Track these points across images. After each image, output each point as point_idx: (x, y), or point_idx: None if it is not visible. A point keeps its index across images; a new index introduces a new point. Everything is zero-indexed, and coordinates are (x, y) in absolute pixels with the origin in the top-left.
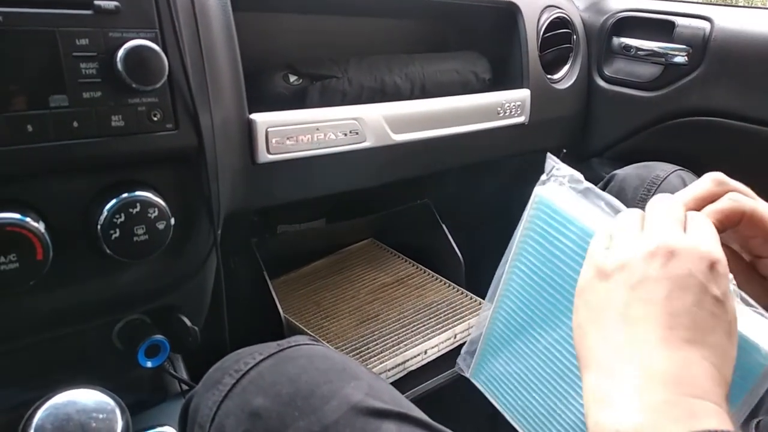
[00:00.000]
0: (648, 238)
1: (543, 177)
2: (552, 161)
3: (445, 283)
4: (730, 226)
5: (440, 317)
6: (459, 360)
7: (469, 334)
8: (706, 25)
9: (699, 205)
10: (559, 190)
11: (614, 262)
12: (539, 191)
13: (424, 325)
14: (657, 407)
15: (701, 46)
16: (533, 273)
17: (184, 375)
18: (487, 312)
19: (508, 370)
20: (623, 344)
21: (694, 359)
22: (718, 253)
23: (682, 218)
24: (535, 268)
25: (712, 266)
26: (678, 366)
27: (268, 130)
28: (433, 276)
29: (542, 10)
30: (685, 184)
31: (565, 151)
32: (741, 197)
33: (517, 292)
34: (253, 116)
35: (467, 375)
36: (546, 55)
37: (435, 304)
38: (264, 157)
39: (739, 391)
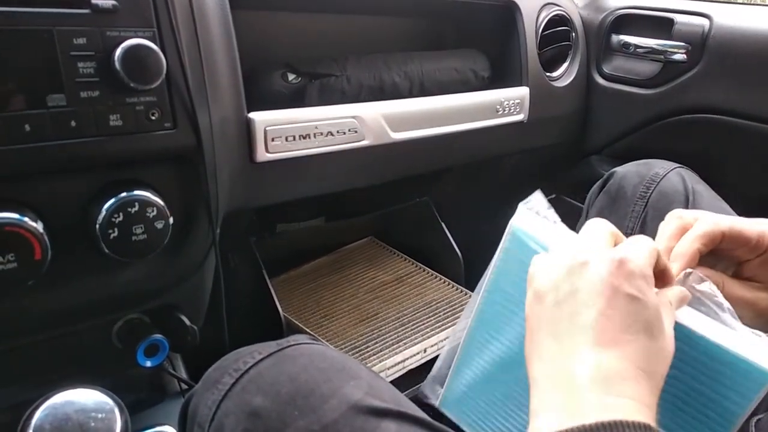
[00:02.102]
0: (568, 255)
1: (519, 207)
2: (537, 198)
3: (444, 282)
4: (713, 245)
5: (439, 316)
6: (425, 387)
7: None
8: (704, 22)
9: (675, 242)
10: (533, 218)
11: (544, 284)
12: (513, 221)
13: (423, 324)
14: (572, 409)
15: (700, 44)
16: (507, 301)
17: (184, 374)
18: (458, 339)
19: (483, 399)
20: (552, 359)
21: (609, 360)
22: (631, 255)
23: (606, 235)
24: (509, 295)
25: (621, 265)
26: (593, 369)
27: (267, 129)
28: (432, 274)
29: (541, 8)
30: (684, 182)
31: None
32: (717, 217)
33: (491, 319)
34: (252, 115)
35: (435, 404)
36: (545, 53)
37: (434, 303)
38: (262, 156)
39: (737, 408)
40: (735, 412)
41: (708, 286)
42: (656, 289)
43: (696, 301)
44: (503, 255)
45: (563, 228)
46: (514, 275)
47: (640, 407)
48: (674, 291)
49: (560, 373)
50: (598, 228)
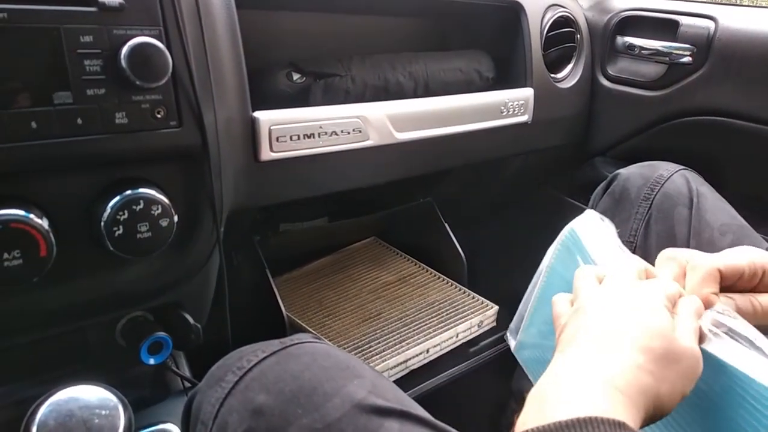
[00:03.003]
0: (621, 290)
1: (578, 220)
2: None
3: (447, 282)
4: (716, 286)
5: (442, 316)
6: (508, 332)
7: (471, 333)
8: (710, 24)
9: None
10: (594, 225)
11: (593, 307)
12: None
13: (426, 324)
14: (557, 391)
15: (705, 46)
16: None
17: (187, 372)
18: (533, 291)
19: (545, 358)
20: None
21: (598, 355)
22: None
23: (633, 275)
24: (565, 282)
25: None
26: (581, 361)
27: (271, 128)
28: (435, 275)
29: (546, 9)
30: (688, 184)
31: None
32: (707, 257)
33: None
34: (257, 114)
35: (512, 349)
36: (549, 54)
37: (437, 303)
38: (267, 155)
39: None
40: None
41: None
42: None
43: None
44: (560, 247)
45: (616, 245)
46: (568, 266)
47: (619, 398)
48: (685, 303)
49: (554, 368)
50: (628, 268)
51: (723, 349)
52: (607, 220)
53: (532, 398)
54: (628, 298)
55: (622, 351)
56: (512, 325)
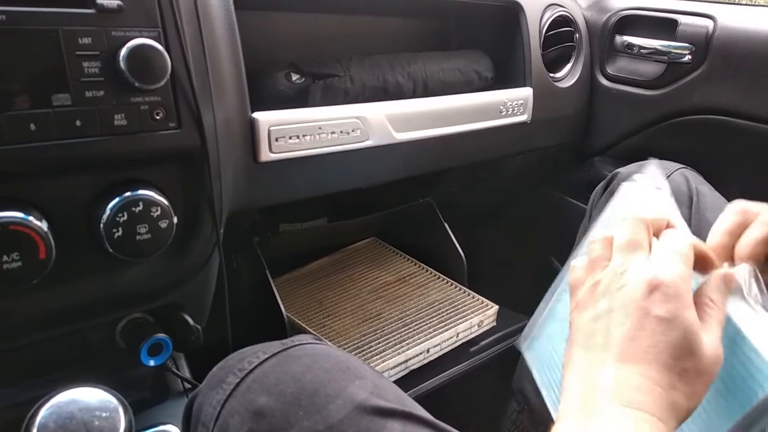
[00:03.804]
0: (609, 273)
1: (634, 178)
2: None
3: (447, 282)
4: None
5: (442, 316)
6: (521, 339)
7: (471, 333)
8: (709, 23)
9: (731, 240)
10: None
11: (585, 299)
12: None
13: (426, 324)
14: (589, 417)
15: (704, 44)
16: None
17: (187, 373)
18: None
19: (555, 355)
20: (581, 370)
21: (629, 375)
22: (665, 275)
23: (642, 241)
24: None
25: (653, 289)
26: (613, 382)
27: (271, 129)
28: (435, 275)
29: (545, 9)
30: (687, 183)
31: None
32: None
33: None
34: (256, 115)
35: (521, 349)
36: (548, 54)
37: (437, 303)
38: (266, 156)
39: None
40: (742, 407)
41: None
42: (697, 280)
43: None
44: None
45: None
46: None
47: (653, 421)
48: (712, 285)
49: (585, 384)
50: (634, 232)
51: (741, 316)
52: (662, 185)
53: (563, 416)
54: (653, 301)
55: (650, 370)
56: (524, 332)
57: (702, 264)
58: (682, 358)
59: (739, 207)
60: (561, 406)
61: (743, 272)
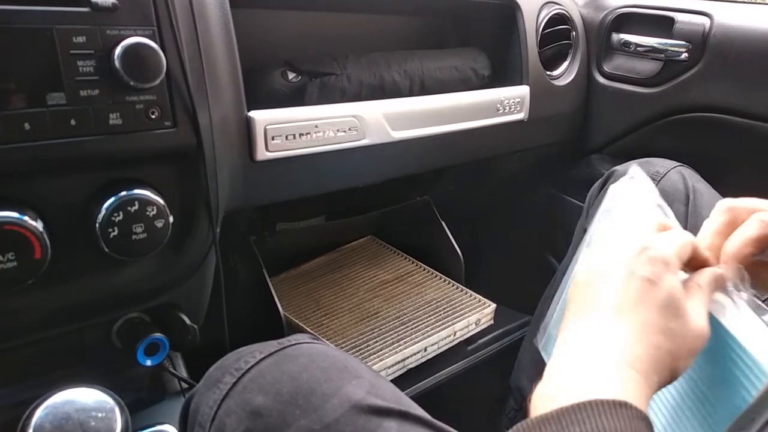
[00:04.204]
0: (606, 250)
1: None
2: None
3: (444, 281)
4: (763, 247)
5: (440, 314)
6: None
7: (468, 332)
8: (705, 20)
9: (721, 240)
10: (633, 186)
11: (583, 273)
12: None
13: (423, 323)
14: (569, 370)
15: (701, 42)
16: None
17: (184, 373)
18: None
19: None
20: (569, 328)
21: (615, 329)
22: (656, 244)
23: (651, 228)
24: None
25: (641, 252)
26: (598, 335)
27: (267, 127)
28: (432, 273)
29: (541, 7)
30: (684, 180)
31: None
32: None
33: None
34: (252, 114)
35: (539, 345)
36: (545, 52)
37: (435, 302)
38: (263, 154)
39: (742, 403)
40: (738, 406)
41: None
42: (685, 275)
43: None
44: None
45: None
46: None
47: (636, 377)
48: (705, 274)
49: (573, 341)
50: (643, 223)
51: (727, 313)
52: (647, 181)
53: (545, 380)
54: (640, 261)
55: (635, 327)
56: (540, 328)
57: (699, 264)
58: (667, 317)
59: (726, 206)
60: (548, 367)
61: (729, 272)
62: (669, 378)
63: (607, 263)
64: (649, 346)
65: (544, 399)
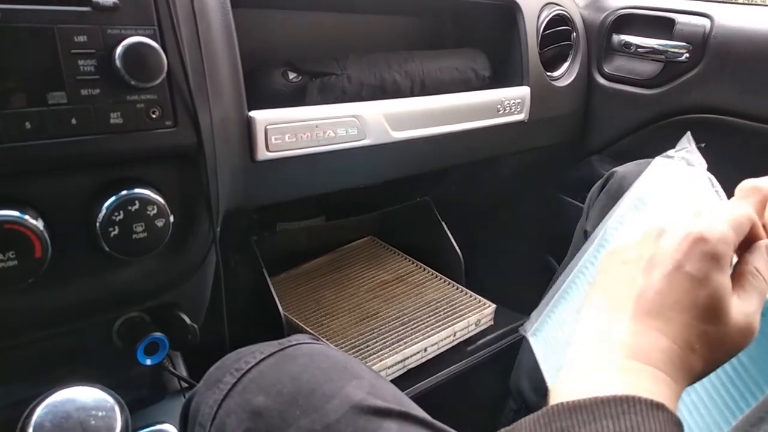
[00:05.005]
0: (651, 221)
1: (671, 152)
2: (687, 140)
3: (444, 281)
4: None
5: (440, 315)
6: (527, 324)
7: (468, 332)
8: (706, 22)
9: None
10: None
11: (620, 244)
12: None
13: (423, 323)
14: (595, 366)
15: (701, 44)
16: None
17: (184, 373)
18: (565, 280)
19: (560, 340)
20: (596, 314)
21: (644, 330)
22: (710, 232)
23: (696, 202)
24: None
25: (694, 243)
26: (626, 334)
27: (267, 127)
28: (432, 274)
29: (542, 8)
30: None
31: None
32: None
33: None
34: (252, 114)
35: (527, 334)
36: (546, 53)
37: (435, 302)
38: (263, 154)
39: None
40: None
41: None
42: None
43: None
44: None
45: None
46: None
47: (664, 379)
48: (760, 253)
49: (599, 332)
50: (693, 195)
51: None
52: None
53: (573, 362)
54: (691, 255)
55: (672, 329)
56: (531, 317)
57: (751, 241)
58: (705, 321)
59: (751, 185)
60: (570, 353)
61: None
62: (699, 377)
63: (655, 246)
64: (684, 349)
65: (570, 385)
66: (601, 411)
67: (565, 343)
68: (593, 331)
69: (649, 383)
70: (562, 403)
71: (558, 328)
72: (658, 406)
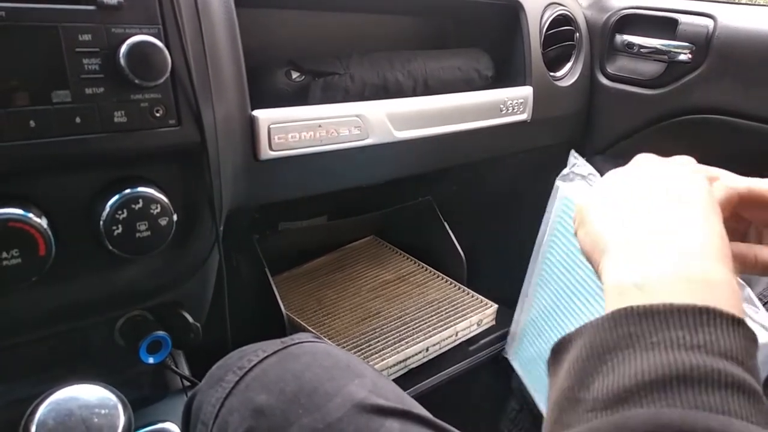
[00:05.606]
0: (646, 172)
1: (564, 171)
2: (574, 158)
3: (446, 281)
4: (729, 212)
5: (442, 315)
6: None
7: (470, 332)
8: (709, 22)
9: None
10: (579, 186)
11: (619, 200)
12: (562, 188)
13: (425, 323)
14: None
15: (704, 44)
16: (561, 264)
17: (186, 371)
18: (525, 298)
19: (539, 352)
20: (659, 228)
21: (716, 237)
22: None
23: None
24: (562, 259)
25: (713, 180)
26: (715, 238)
27: (270, 126)
28: (434, 273)
29: (545, 8)
30: None
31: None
32: (732, 180)
33: (548, 281)
34: (256, 113)
35: (508, 356)
36: (549, 53)
37: (436, 302)
38: (266, 153)
39: None
40: None
41: None
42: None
43: None
44: (556, 219)
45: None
46: (565, 239)
47: (737, 292)
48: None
49: (673, 241)
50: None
51: None
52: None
53: (628, 261)
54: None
55: (716, 225)
56: (508, 339)
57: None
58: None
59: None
60: (633, 264)
61: None
62: None
63: (688, 182)
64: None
65: (631, 288)
66: (676, 319)
67: (539, 357)
68: (653, 236)
69: (727, 295)
70: (631, 307)
71: (532, 336)
72: (739, 322)
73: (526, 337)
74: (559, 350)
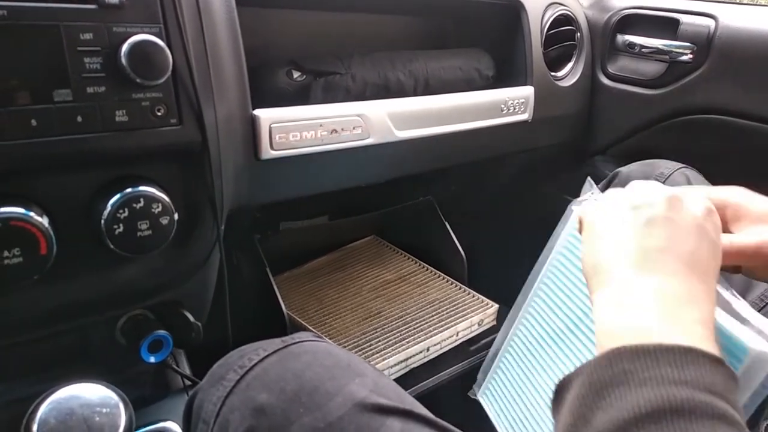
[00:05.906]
0: (660, 187)
1: (579, 198)
2: (590, 185)
3: (447, 281)
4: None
5: (442, 314)
6: (475, 386)
7: (471, 332)
8: (710, 22)
9: None
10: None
11: (638, 199)
12: (576, 213)
13: (426, 323)
14: (669, 316)
15: (705, 44)
16: (555, 293)
17: (187, 370)
18: (508, 330)
19: (516, 389)
20: (640, 270)
21: (696, 286)
22: (711, 207)
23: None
24: (555, 296)
25: (710, 213)
26: (686, 291)
27: (272, 126)
28: (435, 273)
29: (546, 7)
30: (688, 182)
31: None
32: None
33: (535, 316)
34: (257, 112)
35: (477, 395)
36: (550, 53)
37: (437, 302)
38: (267, 153)
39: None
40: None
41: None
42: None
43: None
44: (563, 242)
45: None
46: (570, 263)
47: (711, 334)
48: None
49: (660, 295)
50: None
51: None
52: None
53: (630, 309)
54: (710, 222)
55: (707, 283)
56: (478, 377)
57: None
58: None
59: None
60: (622, 295)
61: None
62: None
63: (678, 211)
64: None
65: (632, 331)
66: (666, 358)
67: (517, 396)
68: (652, 297)
69: (705, 337)
70: (625, 347)
71: (507, 383)
72: (719, 361)
73: (500, 370)
74: (561, 390)
